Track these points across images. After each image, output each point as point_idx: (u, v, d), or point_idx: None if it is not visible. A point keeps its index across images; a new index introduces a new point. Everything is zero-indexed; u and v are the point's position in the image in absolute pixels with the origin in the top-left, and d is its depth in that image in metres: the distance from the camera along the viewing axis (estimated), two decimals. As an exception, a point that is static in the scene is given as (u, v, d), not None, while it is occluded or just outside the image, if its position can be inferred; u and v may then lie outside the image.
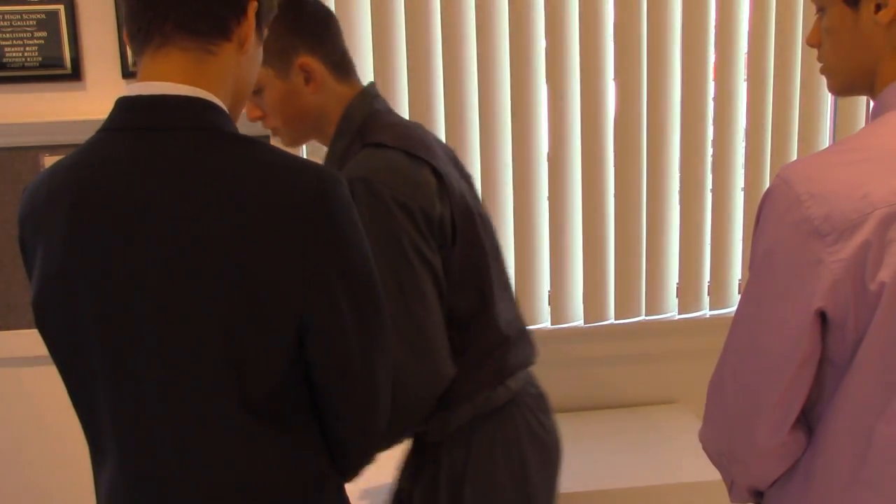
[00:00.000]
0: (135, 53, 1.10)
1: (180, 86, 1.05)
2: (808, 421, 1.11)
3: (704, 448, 1.21)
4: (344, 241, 1.05)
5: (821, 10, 1.16)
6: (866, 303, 0.99)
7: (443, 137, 2.25)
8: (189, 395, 1.04)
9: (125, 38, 1.12)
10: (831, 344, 1.04)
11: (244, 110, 1.44)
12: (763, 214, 1.08)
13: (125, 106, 1.07)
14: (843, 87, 1.17)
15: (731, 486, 1.21)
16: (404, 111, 2.23)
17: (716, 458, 1.19)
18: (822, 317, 1.03)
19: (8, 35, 2.06)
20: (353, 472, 1.21)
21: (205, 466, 1.06)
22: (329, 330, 1.06)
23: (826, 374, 1.06)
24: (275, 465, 1.09)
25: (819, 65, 1.21)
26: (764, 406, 1.07)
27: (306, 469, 1.12)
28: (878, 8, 1.08)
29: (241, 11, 1.08)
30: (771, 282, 1.05)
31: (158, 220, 1.01)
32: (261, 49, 1.17)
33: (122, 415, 1.07)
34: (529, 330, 1.62)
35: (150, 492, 1.08)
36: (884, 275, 0.98)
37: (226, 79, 1.09)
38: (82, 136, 2.07)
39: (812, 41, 1.19)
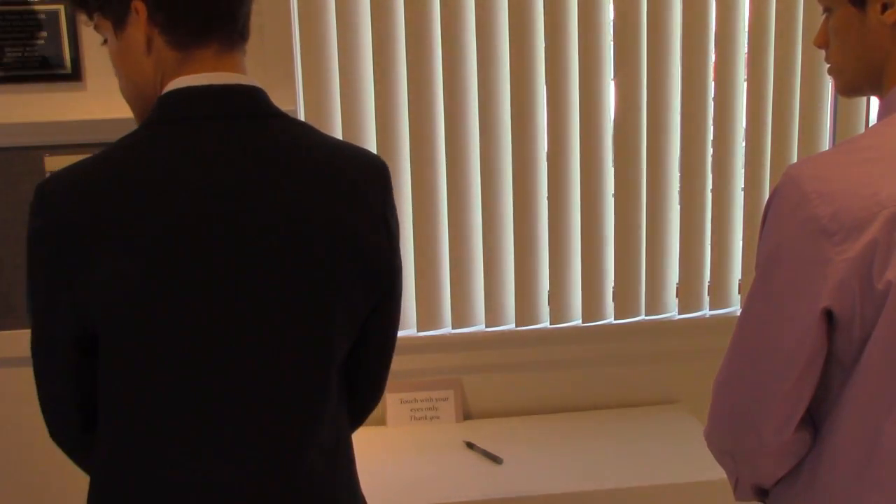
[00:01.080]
0: (174, 48, 1.10)
1: (245, 76, 1.13)
2: (813, 420, 1.11)
3: (709, 446, 1.21)
4: (395, 209, 1.21)
5: (827, 10, 1.16)
6: (873, 302, 0.99)
7: (443, 137, 2.25)
8: (293, 374, 1.10)
9: (153, 30, 1.10)
10: (838, 343, 1.04)
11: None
12: (770, 213, 1.08)
13: (197, 95, 1.08)
14: (851, 88, 1.17)
15: (735, 485, 1.22)
16: (404, 111, 2.23)
17: (721, 457, 1.20)
18: (829, 316, 1.03)
19: (8, 35, 2.06)
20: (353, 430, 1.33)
21: (299, 438, 1.12)
22: (397, 290, 1.22)
23: (832, 373, 1.07)
24: (338, 438, 1.18)
25: (823, 65, 1.21)
26: (770, 404, 1.07)
27: (346, 440, 1.22)
28: (885, 8, 1.08)
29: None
30: (777, 280, 1.06)
31: (267, 199, 1.06)
32: None
33: (208, 397, 1.07)
34: None
35: (237, 470, 1.09)
36: (891, 274, 0.98)
37: None
38: (82, 137, 2.06)
39: (819, 42, 1.19)
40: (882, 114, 1.13)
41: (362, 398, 1.29)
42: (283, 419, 1.11)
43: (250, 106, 1.11)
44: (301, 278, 1.08)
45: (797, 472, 1.13)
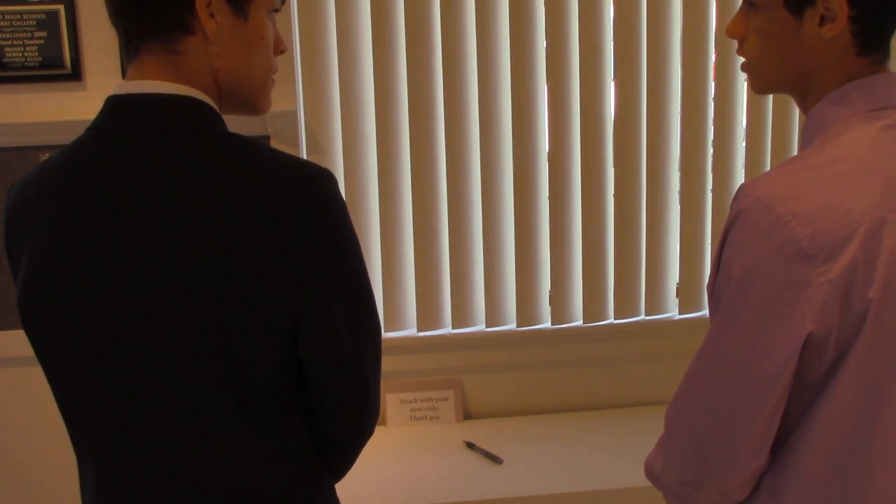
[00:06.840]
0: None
1: (169, 84, 1.04)
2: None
3: (656, 477, 1.16)
4: (335, 239, 1.05)
5: (751, 4, 1.10)
6: (850, 321, 0.97)
7: (443, 137, 2.25)
8: (184, 395, 1.03)
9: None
10: (806, 363, 1.01)
11: None
12: (735, 236, 1.02)
13: (115, 104, 1.06)
14: (768, 88, 1.13)
15: None
16: (404, 111, 2.23)
17: (678, 488, 1.15)
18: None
19: (8, 35, 2.06)
20: (342, 472, 1.22)
21: (201, 466, 1.06)
22: (322, 329, 1.06)
23: (793, 392, 1.03)
24: (271, 466, 1.08)
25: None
26: (746, 435, 1.04)
27: (301, 470, 1.12)
28: (823, 21, 1.03)
29: (189, 2, 1.03)
30: (752, 308, 1.00)
31: (149, 219, 1.00)
32: (253, 30, 1.09)
33: (112, 415, 1.06)
34: None
35: (142, 492, 1.07)
36: (872, 292, 0.96)
37: (202, 75, 1.07)
38: (82, 136, 2.07)
39: (735, 33, 1.12)
40: (813, 128, 1.08)
41: (341, 443, 1.16)
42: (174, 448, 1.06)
43: (150, 117, 1.04)
44: (170, 304, 1.00)
45: (755, 492, 1.10)
